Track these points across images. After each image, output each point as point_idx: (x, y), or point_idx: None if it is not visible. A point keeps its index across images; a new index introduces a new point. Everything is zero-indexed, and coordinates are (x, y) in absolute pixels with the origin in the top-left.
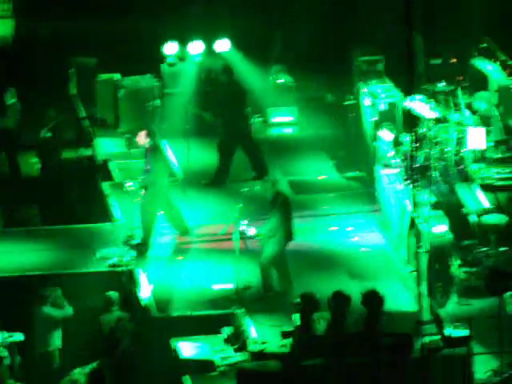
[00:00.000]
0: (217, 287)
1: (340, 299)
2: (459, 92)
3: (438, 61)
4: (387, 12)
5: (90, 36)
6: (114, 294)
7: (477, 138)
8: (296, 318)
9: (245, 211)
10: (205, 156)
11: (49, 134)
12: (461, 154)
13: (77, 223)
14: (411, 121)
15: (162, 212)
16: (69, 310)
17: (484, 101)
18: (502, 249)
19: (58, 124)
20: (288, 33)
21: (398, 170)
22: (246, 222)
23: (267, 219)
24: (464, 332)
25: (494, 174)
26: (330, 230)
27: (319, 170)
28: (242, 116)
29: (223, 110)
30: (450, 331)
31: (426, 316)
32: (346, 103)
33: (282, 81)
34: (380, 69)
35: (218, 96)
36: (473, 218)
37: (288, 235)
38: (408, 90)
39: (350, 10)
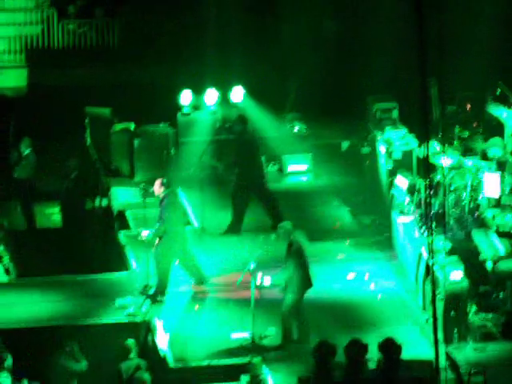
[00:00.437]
0: (234, 336)
1: (356, 347)
2: (475, 138)
3: (454, 107)
4: (402, 59)
5: (104, 85)
6: (131, 342)
7: (492, 184)
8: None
9: (261, 260)
10: (220, 205)
11: (71, 185)
12: (476, 201)
13: (94, 273)
14: (426, 168)
15: (178, 261)
16: (83, 364)
17: (499, 147)
18: None
19: (80, 174)
20: (303, 81)
21: (413, 217)
22: (260, 273)
23: (283, 268)
24: (480, 379)
25: (510, 220)
26: (347, 278)
27: (335, 216)
28: (256, 165)
29: (237, 159)
30: (466, 378)
31: (443, 363)
32: (362, 151)
33: (297, 129)
34: (395, 116)
35: (232, 145)
36: (489, 265)
37: (305, 282)
38: (423, 137)
39: (365, 58)
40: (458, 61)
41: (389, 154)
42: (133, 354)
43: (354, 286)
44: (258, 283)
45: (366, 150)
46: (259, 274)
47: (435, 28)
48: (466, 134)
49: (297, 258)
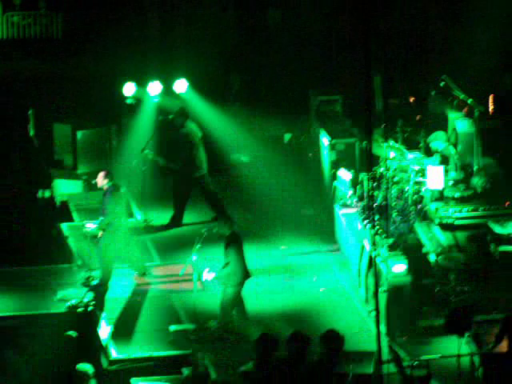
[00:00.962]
0: (175, 328)
1: (298, 340)
2: (418, 131)
3: (396, 100)
4: (346, 52)
5: (48, 78)
6: (73, 333)
7: (435, 177)
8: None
9: (203, 252)
10: (161, 198)
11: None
12: (419, 193)
13: (36, 265)
14: (369, 160)
15: (120, 253)
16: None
17: (441, 140)
18: (461, 288)
19: (22, 165)
20: (246, 73)
21: (356, 209)
22: (206, 269)
23: (224, 261)
24: (424, 371)
25: (453, 213)
26: (289, 270)
27: (278, 209)
28: (198, 158)
29: (178, 152)
30: (409, 371)
31: (386, 356)
32: (303, 142)
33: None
34: (338, 109)
35: (173, 138)
36: (432, 257)
37: (245, 274)
38: (366, 130)
39: (308, 50)
40: (402, 53)
41: (332, 145)
42: (74, 346)
43: (296, 279)
44: (204, 279)
45: (307, 141)
46: (205, 270)
47: (380, 21)
48: (409, 127)
49: (237, 250)
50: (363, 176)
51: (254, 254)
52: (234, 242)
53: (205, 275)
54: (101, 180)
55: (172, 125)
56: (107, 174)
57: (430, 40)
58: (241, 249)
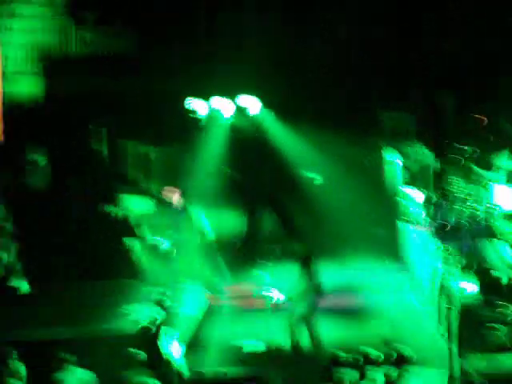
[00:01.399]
0: (248, 346)
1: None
2: (489, 152)
3: (468, 120)
4: (418, 73)
5: (120, 95)
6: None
7: (504, 196)
8: None
9: (275, 271)
10: (236, 217)
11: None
12: (490, 212)
13: (108, 280)
14: (441, 180)
15: (193, 271)
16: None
17: (509, 159)
18: None
19: (95, 184)
20: (319, 95)
21: (429, 229)
22: (276, 290)
23: (297, 280)
24: None
25: None
26: (360, 288)
27: (350, 227)
28: (271, 176)
29: (252, 170)
30: None
31: (458, 375)
32: (377, 162)
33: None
34: (409, 128)
35: (249, 156)
36: (504, 278)
37: (318, 293)
38: (438, 150)
39: (380, 71)
40: (475, 73)
41: (404, 165)
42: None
43: (368, 297)
44: (275, 300)
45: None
46: (274, 291)
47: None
48: (480, 146)
49: (309, 269)
50: (435, 196)
51: (325, 273)
52: (307, 262)
53: (276, 295)
54: (175, 198)
55: (245, 142)
56: (181, 192)
57: (504, 59)
58: (313, 267)
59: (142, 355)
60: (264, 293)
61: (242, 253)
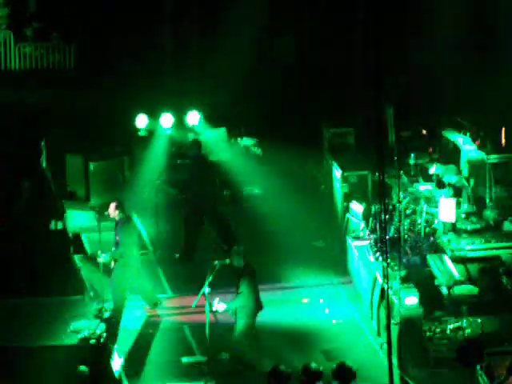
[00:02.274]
0: (188, 360)
1: (310, 373)
2: (430, 164)
3: (409, 133)
4: (358, 86)
5: (61, 108)
6: (85, 369)
7: (448, 209)
8: None
9: (215, 284)
10: (174, 229)
11: (24, 206)
12: (432, 226)
13: (48, 296)
14: (382, 193)
15: (132, 285)
16: None
17: (453, 174)
18: (473, 320)
19: (34, 196)
20: (259, 106)
21: (368, 241)
22: (217, 299)
23: (237, 293)
24: None
25: (465, 245)
26: (302, 302)
27: (290, 240)
28: (209, 189)
29: (190, 183)
30: None
31: None
32: (317, 175)
33: (252, 153)
34: (350, 142)
35: (186, 170)
36: (444, 290)
37: (257, 306)
38: (378, 163)
39: (322, 84)
40: (414, 86)
41: (344, 178)
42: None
43: (308, 311)
44: (214, 309)
45: (321, 174)
46: (215, 300)
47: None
48: (422, 159)
49: (249, 281)
50: (375, 208)
51: (266, 286)
52: (246, 274)
53: (215, 306)
54: (112, 211)
55: (185, 156)
56: (118, 204)
57: (443, 72)
58: (254, 280)
59: (83, 367)
60: (205, 305)
61: (181, 265)
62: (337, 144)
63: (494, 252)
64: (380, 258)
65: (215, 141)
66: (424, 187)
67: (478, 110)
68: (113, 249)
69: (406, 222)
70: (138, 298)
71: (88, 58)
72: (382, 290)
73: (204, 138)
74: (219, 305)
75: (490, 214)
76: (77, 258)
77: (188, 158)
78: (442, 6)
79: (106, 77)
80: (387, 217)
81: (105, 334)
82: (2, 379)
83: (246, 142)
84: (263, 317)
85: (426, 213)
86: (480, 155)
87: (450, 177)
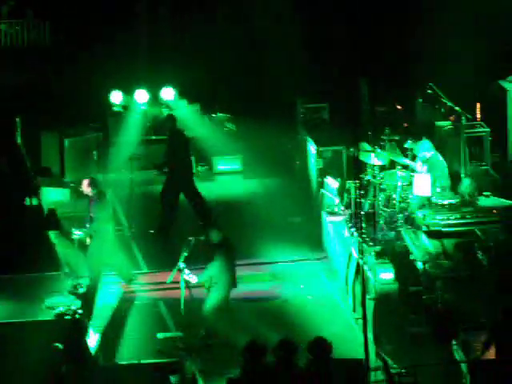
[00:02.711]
0: (163, 335)
1: (285, 347)
2: (405, 139)
3: (383, 108)
4: (333, 59)
5: (35, 85)
6: (59, 345)
7: (422, 184)
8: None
9: (190, 259)
10: (149, 204)
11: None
12: (406, 201)
13: (23, 272)
14: (356, 168)
15: (108, 260)
16: None
17: (427, 149)
18: (448, 295)
19: (9, 172)
20: (233, 82)
21: (343, 217)
22: (188, 271)
23: (208, 266)
24: (411, 379)
25: (440, 220)
26: (276, 278)
27: (265, 216)
28: (185, 164)
29: (166, 158)
30: (397, 378)
31: (373, 363)
32: (292, 151)
33: (227, 129)
34: (325, 116)
35: (161, 145)
36: (419, 265)
37: (231, 282)
38: (353, 137)
39: (295, 58)
40: (389, 60)
41: (319, 153)
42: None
43: (283, 286)
44: (186, 278)
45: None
46: (186, 271)
47: (367, 29)
48: (396, 135)
49: (224, 257)
50: (350, 183)
51: (240, 262)
52: (221, 249)
53: (186, 277)
54: (86, 187)
55: (160, 130)
56: (92, 181)
57: (418, 47)
58: (229, 256)
59: (57, 344)
60: (179, 281)
61: (157, 241)
62: (311, 119)
63: (470, 227)
64: (355, 234)
65: (190, 116)
66: (400, 162)
67: (452, 84)
68: (87, 225)
69: (381, 197)
70: (114, 274)
71: (63, 36)
72: (358, 265)
73: (179, 113)
74: (191, 277)
75: (465, 189)
76: (52, 234)
77: (164, 131)
78: None
79: (80, 54)
80: (362, 192)
81: (80, 311)
82: None
83: (221, 117)
84: (239, 292)
85: (402, 188)
86: (454, 130)
87: (424, 152)
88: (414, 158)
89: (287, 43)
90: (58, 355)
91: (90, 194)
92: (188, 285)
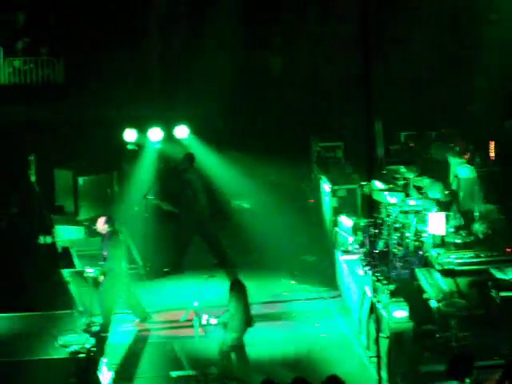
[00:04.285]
0: (177, 374)
1: None
2: (419, 178)
3: (397, 146)
4: (348, 100)
5: (49, 123)
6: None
7: (436, 224)
8: None
9: (205, 298)
10: (163, 243)
11: (13, 220)
12: (420, 240)
13: (37, 311)
14: (370, 207)
15: (121, 299)
16: None
17: (437, 192)
18: (462, 334)
19: (23, 211)
20: (248, 120)
21: (357, 255)
22: (206, 315)
23: (227, 307)
24: None
25: (454, 259)
26: (292, 316)
27: (280, 254)
28: (200, 203)
29: (181, 197)
30: None
31: None
32: (306, 189)
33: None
34: (339, 155)
35: (176, 184)
36: (433, 304)
37: (247, 321)
38: (368, 176)
39: (311, 99)
40: (402, 100)
41: (333, 192)
42: None
43: (297, 325)
44: (204, 323)
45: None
46: (204, 316)
47: (379, 68)
48: (410, 173)
49: (239, 296)
50: (364, 222)
51: (255, 299)
52: (236, 288)
53: (204, 320)
54: (101, 225)
55: (175, 170)
56: (108, 219)
57: (432, 86)
58: (244, 295)
59: (72, 381)
60: (194, 319)
61: (170, 278)
62: (325, 157)
63: (483, 266)
64: (369, 272)
65: (205, 154)
66: (414, 201)
67: (465, 123)
68: (101, 263)
69: (395, 236)
70: (127, 312)
71: (76, 73)
72: (371, 303)
73: (194, 151)
74: (210, 320)
75: (478, 227)
76: (65, 272)
77: (179, 172)
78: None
79: (93, 91)
80: (376, 231)
81: (94, 349)
82: None
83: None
84: (253, 331)
85: (415, 227)
86: (469, 169)
87: (435, 194)
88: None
89: (302, 79)
90: None
91: (105, 232)
92: (204, 325)
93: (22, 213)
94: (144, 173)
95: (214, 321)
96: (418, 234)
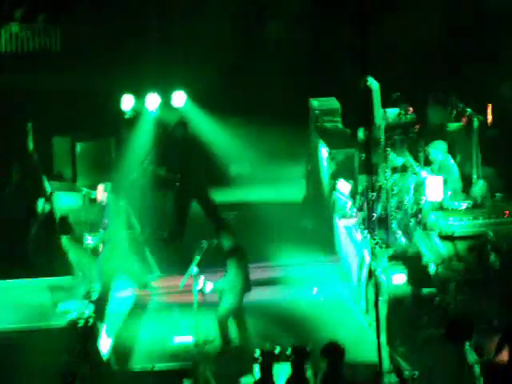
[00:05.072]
0: (177, 340)
1: (297, 352)
2: (417, 141)
3: (395, 110)
4: (345, 64)
5: (46, 91)
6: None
7: (434, 188)
8: (257, 369)
9: (202, 264)
10: (161, 210)
11: (13, 189)
12: (419, 204)
13: (36, 277)
14: (368, 171)
15: (121, 265)
16: None
17: (440, 150)
18: (461, 297)
19: (22, 179)
20: (246, 85)
21: (356, 220)
22: (202, 278)
23: (224, 272)
24: (423, 382)
25: (452, 222)
26: (289, 281)
27: (278, 221)
28: (197, 170)
29: (178, 164)
30: (410, 381)
31: (386, 366)
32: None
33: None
34: (337, 119)
35: (173, 150)
36: (432, 268)
37: (245, 287)
38: (365, 139)
39: (309, 64)
40: (400, 64)
41: (331, 156)
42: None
43: (296, 290)
44: (199, 288)
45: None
46: (201, 279)
47: (377, 30)
48: (409, 136)
49: (238, 262)
50: (363, 187)
51: (254, 266)
52: (234, 254)
53: (200, 285)
54: (100, 193)
55: (172, 136)
56: (106, 186)
57: (430, 49)
58: (242, 261)
59: (72, 348)
60: (192, 285)
61: (169, 246)
62: (323, 123)
63: (482, 229)
64: (367, 237)
65: (201, 121)
66: (412, 164)
67: (463, 86)
68: (100, 231)
69: (394, 200)
70: (127, 279)
71: (73, 40)
72: (370, 268)
73: (190, 117)
74: (206, 285)
75: (477, 191)
76: (64, 239)
77: (175, 138)
78: None
79: (90, 59)
80: (374, 195)
81: (93, 315)
82: None
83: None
84: (251, 296)
85: (414, 191)
86: (466, 133)
87: (436, 154)
88: (426, 159)
89: (299, 45)
90: (72, 360)
91: (104, 199)
92: (200, 290)
93: (22, 181)
94: (141, 139)
95: (210, 285)
96: (416, 198)
